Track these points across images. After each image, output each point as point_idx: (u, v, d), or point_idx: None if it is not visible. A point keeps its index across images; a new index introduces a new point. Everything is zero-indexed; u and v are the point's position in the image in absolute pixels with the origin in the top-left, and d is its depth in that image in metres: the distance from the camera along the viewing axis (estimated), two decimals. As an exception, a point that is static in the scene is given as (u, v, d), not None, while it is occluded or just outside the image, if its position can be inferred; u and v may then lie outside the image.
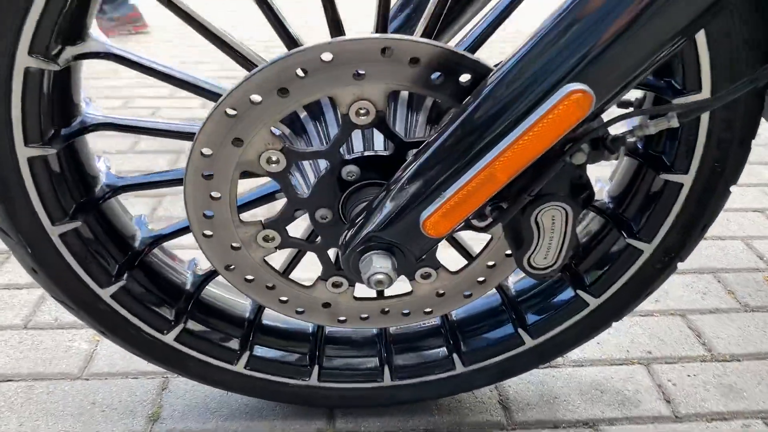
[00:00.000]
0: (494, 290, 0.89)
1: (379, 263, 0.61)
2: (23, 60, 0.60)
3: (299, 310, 0.77)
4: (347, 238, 0.63)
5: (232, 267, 0.72)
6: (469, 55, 0.58)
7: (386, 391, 0.91)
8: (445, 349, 0.91)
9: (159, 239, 0.81)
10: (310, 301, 0.76)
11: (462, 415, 0.96)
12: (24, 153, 0.65)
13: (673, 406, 0.98)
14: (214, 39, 0.63)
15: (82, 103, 0.71)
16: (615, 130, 0.62)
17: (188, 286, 0.85)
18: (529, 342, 0.88)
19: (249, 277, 0.74)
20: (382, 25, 0.62)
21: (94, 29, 0.66)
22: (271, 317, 0.91)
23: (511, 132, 0.54)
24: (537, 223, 0.63)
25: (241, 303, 0.90)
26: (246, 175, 0.65)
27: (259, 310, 0.89)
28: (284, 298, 0.76)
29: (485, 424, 0.95)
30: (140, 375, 1.02)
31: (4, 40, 0.58)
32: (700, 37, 0.63)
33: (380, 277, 0.61)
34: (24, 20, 0.57)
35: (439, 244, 0.66)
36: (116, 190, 0.76)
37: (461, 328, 0.91)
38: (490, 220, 0.61)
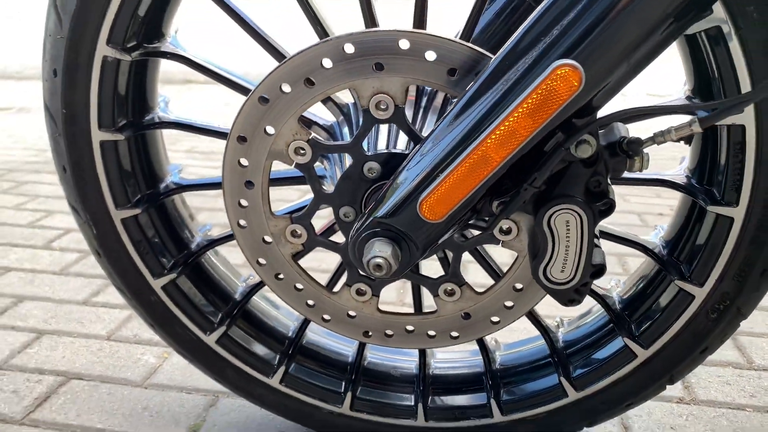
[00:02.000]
0: (542, 340, 0.86)
1: (379, 248, 0.61)
2: (102, 48, 0.70)
3: (325, 317, 0.78)
4: (356, 227, 0.65)
5: (263, 263, 0.75)
6: (477, 48, 0.60)
7: (420, 430, 0.88)
8: (483, 394, 0.87)
9: (213, 243, 0.87)
10: (335, 309, 0.77)
11: (500, 473, 0.89)
12: (97, 136, 0.75)
13: None
14: (254, 34, 0.71)
15: (160, 101, 0.80)
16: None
17: (237, 294, 0.89)
18: (574, 394, 0.82)
19: (280, 275, 0.76)
20: (418, 21, 0.66)
21: (176, 33, 0.76)
22: (312, 341, 0.92)
23: (502, 111, 0.54)
24: (551, 229, 0.61)
25: (284, 321, 0.92)
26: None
27: (300, 329, 0.90)
28: (311, 302, 0.77)
29: (524, 487, 0.87)
30: (194, 391, 1.05)
31: (88, 29, 0.68)
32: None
33: (379, 261, 0.61)
34: (106, 11, 0.67)
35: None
36: (181, 188, 0.84)
37: (503, 376, 0.87)
38: (495, 215, 0.60)
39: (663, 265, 0.76)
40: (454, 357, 0.93)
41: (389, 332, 0.78)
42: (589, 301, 0.83)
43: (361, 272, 0.70)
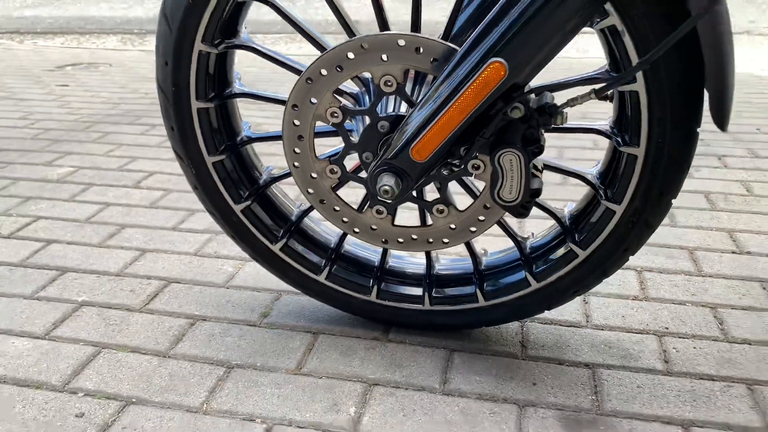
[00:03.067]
0: (515, 249, 1.17)
1: (386, 179, 0.93)
2: (198, 45, 1.02)
3: (356, 230, 1.11)
4: (372, 165, 0.97)
5: (312, 192, 1.09)
6: (449, 44, 0.90)
7: (425, 314, 1.21)
8: (472, 286, 1.19)
9: (276, 179, 1.20)
10: (362, 223, 1.10)
11: (487, 344, 1.22)
12: (195, 105, 1.08)
13: (668, 366, 1.16)
14: (300, 30, 1.02)
15: (235, 79, 1.13)
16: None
17: (293, 216, 1.23)
18: (535, 285, 1.13)
19: (323, 201, 1.09)
20: (413, 23, 0.95)
21: (246, 30, 1.07)
22: (348, 249, 1.25)
23: (461, 88, 0.84)
24: (500, 164, 0.92)
25: (327, 236, 1.26)
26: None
27: (340, 241, 1.24)
28: (346, 219, 1.10)
29: (503, 353, 1.20)
30: (263, 290, 1.41)
31: (189, 32, 1.01)
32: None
33: (386, 188, 0.93)
34: (201, 19, 0.99)
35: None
36: (251, 140, 1.17)
37: (486, 272, 1.19)
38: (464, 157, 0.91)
39: (595, 190, 1.06)
40: (452, 263, 1.25)
41: (400, 240, 1.10)
42: (550, 222, 1.14)
43: (377, 197, 1.02)
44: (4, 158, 2.28)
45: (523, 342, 1.23)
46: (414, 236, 1.09)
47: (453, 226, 1.07)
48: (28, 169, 2.18)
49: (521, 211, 0.96)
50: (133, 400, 1.09)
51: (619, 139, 1.00)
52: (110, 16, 6.52)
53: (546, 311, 1.20)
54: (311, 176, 1.07)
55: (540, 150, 0.91)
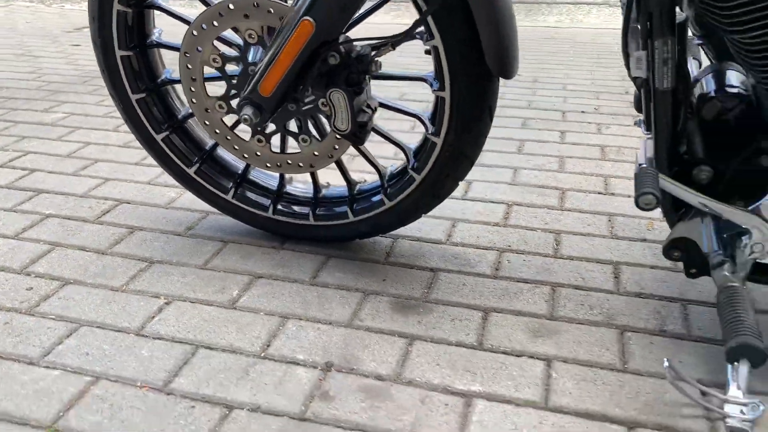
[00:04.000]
0: (376, 176, 1.45)
1: (247, 110, 1.23)
2: (116, 6, 1.32)
3: (245, 155, 1.41)
4: (238, 99, 1.26)
5: (208, 123, 1.39)
6: (285, 5, 1.19)
7: (311, 228, 1.51)
8: (345, 206, 1.49)
9: (188, 116, 1.50)
10: (249, 149, 1.40)
11: (359, 253, 1.52)
12: (119, 53, 1.38)
13: (496, 272, 1.44)
14: None
15: (155, 33, 1.43)
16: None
17: (207, 146, 1.54)
18: (388, 203, 1.42)
19: (217, 131, 1.39)
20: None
21: (157, -5, 1.37)
22: (253, 175, 1.56)
23: (287, 39, 1.13)
24: (332, 101, 1.20)
25: (237, 163, 1.56)
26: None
27: (246, 167, 1.54)
28: (236, 147, 1.40)
29: (369, 259, 1.50)
30: (196, 211, 1.72)
31: (107, -5, 1.31)
32: None
33: (245, 116, 1.23)
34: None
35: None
36: (169, 82, 1.47)
37: (355, 198, 1.48)
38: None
39: (426, 126, 1.34)
40: (333, 189, 1.54)
41: (279, 164, 1.40)
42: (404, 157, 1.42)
43: (257, 129, 1.31)
44: (11, 105, 2.63)
45: (388, 252, 1.53)
46: (289, 161, 1.39)
47: (316, 153, 1.36)
48: (29, 114, 2.52)
49: (354, 138, 1.25)
50: (71, 281, 1.41)
51: (434, 85, 1.27)
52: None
53: (402, 226, 1.49)
54: (206, 110, 1.37)
55: (360, 90, 1.19)
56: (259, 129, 1.32)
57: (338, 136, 1.29)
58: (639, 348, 1.20)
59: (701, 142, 1.13)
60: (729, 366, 1.07)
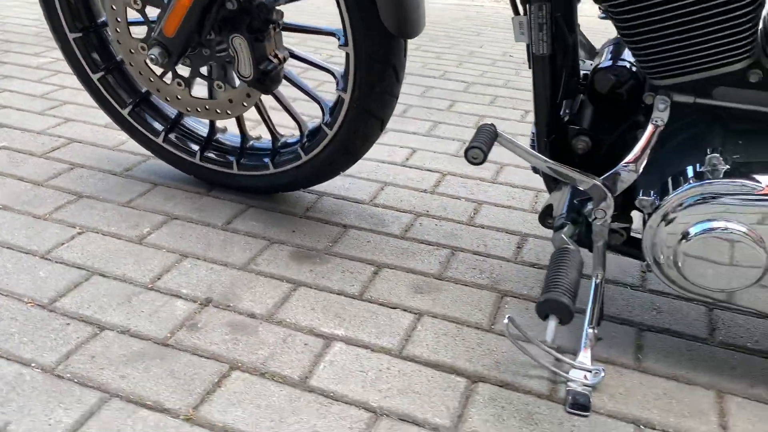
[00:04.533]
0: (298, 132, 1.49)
1: (155, 51, 1.28)
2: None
3: (167, 98, 1.46)
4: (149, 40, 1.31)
5: (132, 65, 1.44)
6: None
7: (235, 177, 1.56)
8: (267, 158, 1.53)
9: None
10: (170, 92, 1.45)
11: (280, 204, 1.56)
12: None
13: (406, 233, 1.47)
14: None
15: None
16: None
17: (143, 90, 1.59)
18: (305, 157, 1.46)
19: (141, 72, 1.45)
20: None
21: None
22: (184, 121, 1.61)
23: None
24: (234, 46, 1.24)
25: (171, 108, 1.61)
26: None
27: (179, 114, 1.59)
28: (159, 89, 1.45)
29: (287, 212, 1.54)
30: (140, 155, 1.78)
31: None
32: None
33: (152, 56, 1.28)
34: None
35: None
36: (103, 24, 1.52)
37: (278, 150, 1.53)
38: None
39: (337, 82, 1.37)
40: (260, 142, 1.59)
41: (198, 109, 1.45)
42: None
43: (175, 73, 1.36)
44: (5, 47, 2.73)
45: (309, 207, 1.57)
46: (207, 107, 1.44)
47: (231, 99, 1.40)
48: (19, 56, 2.61)
49: (259, 86, 1.29)
50: (2, 206, 1.49)
51: (341, 40, 1.30)
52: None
53: (320, 182, 1.53)
54: (130, 51, 1.42)
55: (262, 38, 1.22)
56: (173, 72, 1.36)
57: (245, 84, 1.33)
58: (512, 312, 1.22)
59: (584, 112, 1.14)
60: (584, 333, 1.09)
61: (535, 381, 1.06)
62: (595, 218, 0.98)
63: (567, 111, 1.14)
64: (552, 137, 1.12)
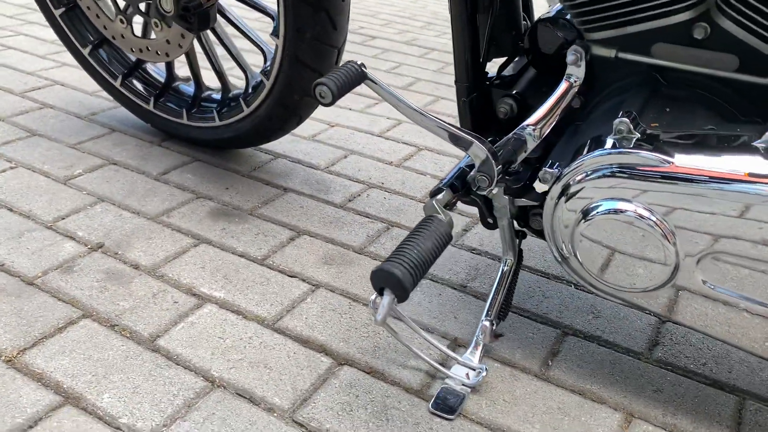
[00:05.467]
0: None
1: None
2: None
3: (113, 37, 1.39)
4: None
5: (107, 28, 1.38)
6: None
7: (184, 127, 1.48)
8: (213, 111, 1.44)
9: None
10: (116, 31, 1.38)
11: (225, 161, 1.47)
12: None
13: (349, 203, 1.34)
14: None
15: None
16: None
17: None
18: (246, 110, 1.36)
19: (89, 7, 1.38)
20: None
21: None
22: (145, 67, 1.54)
23: None
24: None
25: (130, 58, 1.54)
26: None
27: (138, 61, 1.52)
28: (105, 27, 1.39)
29: (231, 168, 1.44)
30: (107, 100, 1.73)
31: None
32: None
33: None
34: None
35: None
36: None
37: (226, 102, 1.43)
38: None
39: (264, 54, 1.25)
40: (214, 92, 1.49)
41: (140, 49, 1.37)
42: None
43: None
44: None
45: (258, 167, 1.46)
46: (148, 47, 1.36)
47: (168, 40, 1.31)
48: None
49: (183, 23, 1.19)
50: (-51, 135, 1.47)
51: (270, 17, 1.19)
52: None
53: (264, 141, 1.42)
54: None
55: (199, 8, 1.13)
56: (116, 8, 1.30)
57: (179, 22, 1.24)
58: (422, 296, 1.07)
59: (517, 73, 0.98)
60: (479, 326, 0.93)
61: (410, 372, 0.91)
62: (479, 187, 0.82)
63: (504, 72, 0.99)
64: (473, 97, 0.97)
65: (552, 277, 1.13)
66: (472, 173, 0.83)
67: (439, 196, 0.82)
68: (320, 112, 1.76)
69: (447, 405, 0.86)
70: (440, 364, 0.90)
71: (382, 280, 0.72)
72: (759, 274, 0.71)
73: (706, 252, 0.73)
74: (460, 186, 0.84)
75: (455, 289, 1.10)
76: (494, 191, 0.86)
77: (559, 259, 0.84)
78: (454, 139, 0.83)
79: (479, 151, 0.80)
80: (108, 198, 1.28)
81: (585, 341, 1.00)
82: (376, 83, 0.83)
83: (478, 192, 0.83)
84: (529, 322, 1.03)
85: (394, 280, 0.71)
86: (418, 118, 0.84)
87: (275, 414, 0.83)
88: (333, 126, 1.69)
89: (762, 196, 0.67)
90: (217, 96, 1.48)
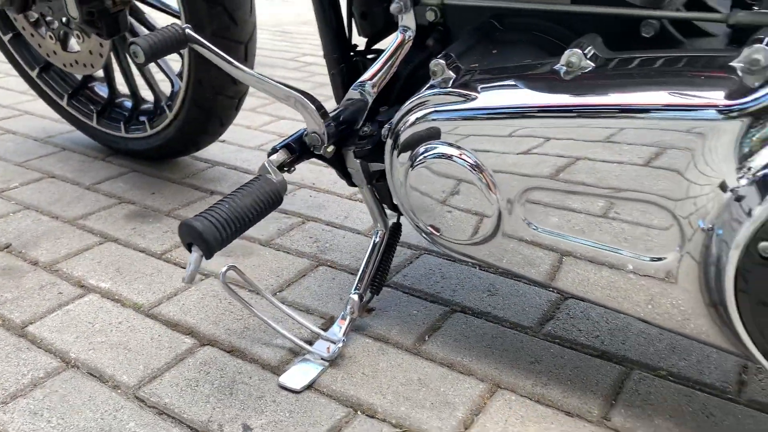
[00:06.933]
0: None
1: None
2: None
3: (48, 55, 1.44)
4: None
5: (16, 20, 1.43)
6: None
7: (124, 140, 1.51)
8: (145, 121, 1.46)
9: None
10: (49, 48, 1.42)
11: (161, 172, 1.48)
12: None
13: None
14: None
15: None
16: None
17: (53, 54, 1.59)
18: (170, 115, 1.37)
19: (24, 27, 1.44)
20: None
21: None
22: (93, 87, 1.58)
23: None
24: (61, -13, 1.19)
25: (76, 77, 1.59)
26: None
27: (85, 78, 1.57)
28: (40, 45, 1.44)
29: (166, 177, 1.46)
30: (68, 124, 1.79)
31: None
32: None
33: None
34: None
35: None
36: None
37: (156, 111, 1.45)
38: None
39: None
40: (147, 106, 1.52)
41: (71, 63, 1.41)
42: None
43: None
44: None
45: (192, 174, 1.47)
46: (76, 60, 1.40)
47: (91, 51, 1.35)
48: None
49: (92, 28, 1.23)
50: None
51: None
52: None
53: (195, 149, 1.44)
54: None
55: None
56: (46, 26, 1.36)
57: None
58: (314, 281, 1.04)
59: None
60: (348, 300, 0.90)
61: (273, 351, 0.88)
62: (313, 146, 0.80)
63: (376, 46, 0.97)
64: (341, 67, 0.95)
65: (456, 261, 1.08)
66: (305, 132, 0.80)
67: (273, 157, 0.79)
68: (262, 122, 1.77)
69: (297, 378, 0.81)
70: (308, 343, 0.87)
71: (187, 236, 0.70)
72: (571, 211, 0.65)
73: (524, 190, 0.68)
74: (298, 147, 0.82)
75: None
76: (329, 149, 0.83)
77: (403, 213, 0.81)
78: (284, 97, 0.81)
79: (305, 108, 0.78)
80: (34, 206, 1.31)
81: (472, 317, 0.94)
82: (202, 45, 0.82)
83: (315, 152, 0.81)
84: (417, 300, 0.98)
85: (195, 234, 0.68)
86: (248, 78, 0.83)
87: (119, 390, 0.81)
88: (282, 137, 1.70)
89: (561, 128, 0.63)
90: (151, 107, 1.50)
